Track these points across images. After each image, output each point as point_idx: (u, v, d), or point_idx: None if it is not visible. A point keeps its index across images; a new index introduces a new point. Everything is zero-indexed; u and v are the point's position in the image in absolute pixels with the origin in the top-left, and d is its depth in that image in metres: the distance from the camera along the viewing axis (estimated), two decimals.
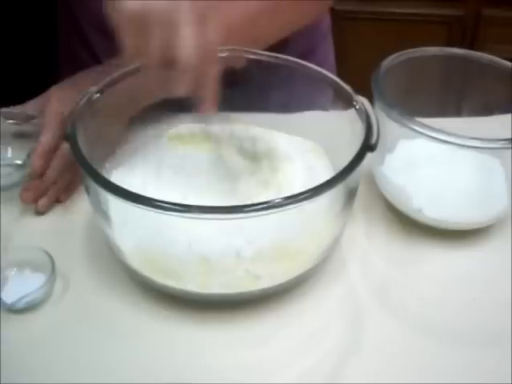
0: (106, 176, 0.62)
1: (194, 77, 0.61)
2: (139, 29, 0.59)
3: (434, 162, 0.75)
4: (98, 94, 0.70)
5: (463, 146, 0.66)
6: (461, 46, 0.85)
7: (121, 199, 0.58)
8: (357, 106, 0.69)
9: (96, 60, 0.96)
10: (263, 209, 0.56)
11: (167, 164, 0.72)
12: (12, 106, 0.83)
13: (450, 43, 1.86)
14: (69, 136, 0.64)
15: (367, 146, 0.63)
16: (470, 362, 0.62)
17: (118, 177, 0.69)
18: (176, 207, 0.56)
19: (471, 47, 0.93)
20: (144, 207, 0.57)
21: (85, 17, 0.94)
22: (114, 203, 0.63)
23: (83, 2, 0.92)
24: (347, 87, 0.71)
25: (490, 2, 1.90)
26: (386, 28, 1.90)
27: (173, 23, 0.59)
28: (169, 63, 0.60)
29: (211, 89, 0.64)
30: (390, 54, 0.79)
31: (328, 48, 1.05)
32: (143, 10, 0.58)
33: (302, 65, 0.76)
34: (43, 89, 0.81)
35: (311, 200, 0.58)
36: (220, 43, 0.64)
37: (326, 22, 1.02)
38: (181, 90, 0.62)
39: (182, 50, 0.59)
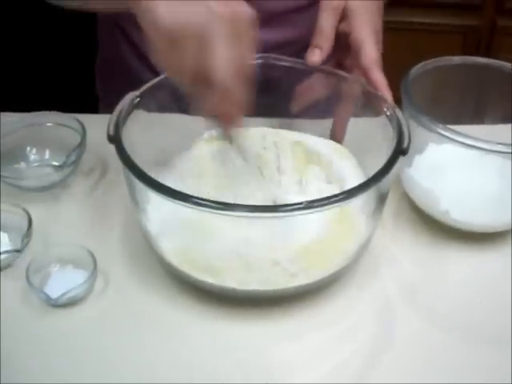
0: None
1: (225, 95, 0.60)
2: (172, 43, 0.57)
3: (460, 166, 0.77)
4: (139, 98, 0.73)
5: (490, 150, 0.69)
6: (476, 55, 0.87)
7: (163, 196, 0.60)
8: (388, 112, 0.71)
9: (136, 50, 0.99)
10: (301, 209, 0.59)
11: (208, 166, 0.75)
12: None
13: (464, 53, 1.87)
14: (112, 138, 0.66)
15: (399, 150, 0.65)
16: (497, 362, 0.64)
17: (160, 175, 0.71)
18: (217, 205, 0.58)
19: (486, 57, 0.95)
20: (186, 204, 0.59)
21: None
22: (155, 201, 0.66)
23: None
24: (378, 93, 0.74)
25: (506, 13, 1.92)
26: (401, 37, 1.91)
27: (207, 38, 0.57)
28: (202, 80, 0.58)
29: (239, 107, 0.62)
30: (406, 62, 0.81)
31: None
32: (177, 23, 0.56)
33: (333, 71, 0.79)
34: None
35: (346, 202, 0.60)
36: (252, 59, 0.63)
37: None
38: (209, 108, 0.62)
39: (217, 69, 0.57)
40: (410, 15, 1.95)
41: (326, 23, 0.76)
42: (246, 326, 0.67)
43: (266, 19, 0.93)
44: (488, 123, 0.87)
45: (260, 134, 0.79)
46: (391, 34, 1.90)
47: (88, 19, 1.05)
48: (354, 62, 0.76)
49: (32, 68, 1.59)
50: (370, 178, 0.62)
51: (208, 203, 0.58)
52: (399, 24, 1.94)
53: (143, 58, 0.97)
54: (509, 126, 0.83)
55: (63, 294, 0.67)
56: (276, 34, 0.93)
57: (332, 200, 0.59)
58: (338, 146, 0.79)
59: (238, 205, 0.59)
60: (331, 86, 0.78)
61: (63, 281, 0.69)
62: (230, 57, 0.57)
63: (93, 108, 1.07)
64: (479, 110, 0.88)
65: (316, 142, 0.79)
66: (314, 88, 0.79)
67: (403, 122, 0.69)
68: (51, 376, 0.63)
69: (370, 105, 0.75)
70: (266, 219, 0.61)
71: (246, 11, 0.60)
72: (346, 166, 0.75)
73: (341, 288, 0.71)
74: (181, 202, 0.59)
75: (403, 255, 0.75)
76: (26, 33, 1.58)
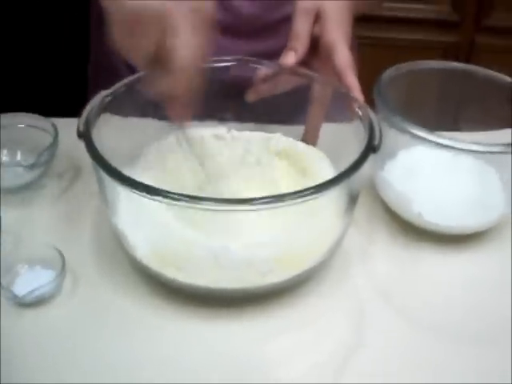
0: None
1: (180, 78, 0.62)
2: (136, 27, 0.60)
3: (434, 169, 0.78)
4: (110, 97, 0.72)
5: (462, 150, 0.69)
6: None
7: (131, 190, 0.60)
8: (359, 112, 0.71)
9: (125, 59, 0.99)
10: (268, 202, 0.58)
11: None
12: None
13: None
14: (82, 134, 0.66)
15: (370, 147, 0.65)
16: (469, 360, 0.64)
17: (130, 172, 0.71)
18: (183, 197, 0.58)
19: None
20: (152, 197, 0.59)
21: None
22: (123, 196, 0.65)
23: None
24: (350, 94, 0.74)
25: (484, 30, 1.95)
26: (383, 53, 1.92)
27: (171, 23, 0.60)
28: (160, 63, 0.61)
29: (190, 92, 0.65)
30: None
31: None
32: (142, 9, 0.59)
33: (304, 73, 0.79)
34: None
35: (317, 195, 0.60)
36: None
37: None
38: (162, 90, 0.64)
39: (179, 52, 0.60)
40: (390, 31, 1.97)
41: (302, 27, 0.77)
42: (218, 325, 0.67)
43: (253, 30, 0.95)
44: (464, 129, 0.87)
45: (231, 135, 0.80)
46: (372, 49, 1.95)
47: (81, 25, 1.06)
48: (323, 64, 0.77)
49: (24, 72, 1.60)
50: (341, 173, 0.62)
51: (173, 195, 0.58)
52: (380, 40, 1.96)
53: (130, 65, 0.98)
54: (484, 133, 0.83)
55: (30, 292, 0.66)
56: (262, 44, 0.95)
57: (303, 193, 0.59)
58: (311, 147, 0.79)
59: (205, 197, 0.58)
60: (294, 83, 0.79)
61: (31, 280, 0.68)
62: (191, 42, 0.61)
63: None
64: (455, 116, 0.88)
65: (290, 142, 0.79)
66: (274, 81, 0.80)
67: (374, 120, 0.69)
68: (19, 375, 0.62)
69: (341, 106, 0.75)
70: (235, 213, 0.60)
71: (208, 4, 0.63)
72: (319, 165, 0.75)
73: (314, 287, 0.70)
74: (146, 195, 0.58)
75: (377, 256, 0.75)
76: (20, 37, 1.58)
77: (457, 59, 1.82)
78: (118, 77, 0.98)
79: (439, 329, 0.68)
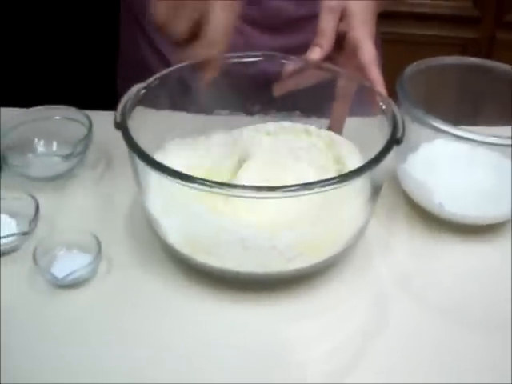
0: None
1: (211, 45, 0.71)
2: (175, 5, 0.68)
3: (453, 161, 0.80)
4: (145, 90, 0.76)
5: (480, 142, 0.72)
6: None
7: (164, 177, 0.63)
8: (383, 106, 0.74)
9: (156, 51, 1.04)
10: (296, 190, 0.61)
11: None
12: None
13: None
14: (119, 125, 0.69)
15: (394, 140, 0.68)
16: (485, 345, 0.67)
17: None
18: (214, 184, 0.61)
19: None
20: (185, 184, 0.62)
21: (142, 7, 1.02)
22: (157, 183, 0.69)
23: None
24: (374, 88, 0.77)
25: (505, 26, 1.96)
26: (403, 49, 1.94)
27: (206, 3, 0.68)
28: (194, 36, 0.70)
29: (216, 67, 0.75)
30: None
31: None
32: None
33: (330, 68, 0.82)
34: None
35: (340, 185, 0.63)
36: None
37: None
38: (194, 54, 0.73)
39: (213, 28, 0.69)
40: (410, 27, 1.98)
41: (327, 24, 0.80)
42: (244, 308, 0.70)
43: (279, 26, 0.98)
44: (482, 124, 0.88)
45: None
46: (393, 45, 1.95)
47: (110, 21, 1.09)
48: (348, 59, 0.80)
49: (56, 67, 1.64)
50: (365, 164, 0.65)
51: (207, 183, 0.61)
52: (400, 36, 1.97)
53: (163, 58, 1.02)
54: (502, 128, 0.85)
55: (68, 275, 0.69)
56: (288, 40, 0.99)
57: (329, 182, 0.62)
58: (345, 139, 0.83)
59: (236, 185, 0.62)
60: (319, 78, 0.82)
61: (69, 263, 0.71)
62: (225, 18, 0.70)
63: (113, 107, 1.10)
64: (473, 111, 0.90)
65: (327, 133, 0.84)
66: (300, 76, 0.83)
67: (397, 113, 0.72)
68: (57, 354, 0.65)
69: (365, 100, 0.78)
70: (264, 201, 0.63)
71: None
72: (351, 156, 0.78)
73: (337, 274, 0.73)
74: (182, 182, 0.62)
75: (398, 245, 0.78)
76: (52, 34, 1.62)
77: (477, 55, 1.83)
78: (147, 70, 1.03)
79: (457, 316, 0.70)
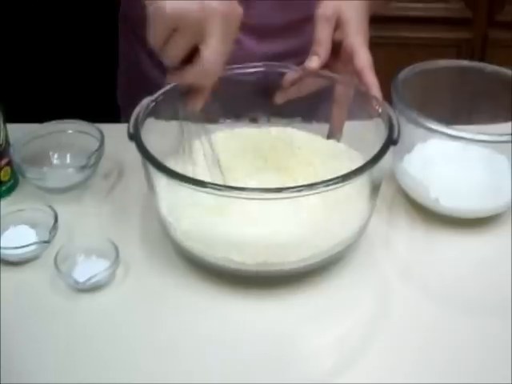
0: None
1: (204, 74, 0.71)
2: (173, 29, 0.67)
3: (448, 158, 0.84)
4: (154, 103, 0.80)
5: (471, 140, 0.76)
6: None
7: (177, 182, 0.68)
8: (379, 109, 0.79)
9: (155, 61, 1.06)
10: (298, 191, 0.66)
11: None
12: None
13: None
14: (132, 136, 0.74)
15: (391, 140, 0.72)
16: (485, 329, 0.71)
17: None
18: (223, 188, 0.66)
19: None
20: (196, 188, 0.67)
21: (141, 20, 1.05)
22: (170, 188, 0.73)
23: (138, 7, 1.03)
24: (369, 92, 0.81)
25: (497, 26, 2.00)
26: (396, 52, 1.97)
27: (203, 27, 0.68)
28: (188, 62, 0.70)
29: (206, 94, 0.74)
30: None
31: None
32: (177, 12, 0.66)
33: (328, 75, 0.86)
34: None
35: (342, 184, 0.67)
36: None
37: None
38: (187, 78, 0.72)
39: (207, 57, 0.69)
40: (405, 30, 2.02)
41: (323, 33, 0.83)
42: (257, 304, 0.74)
43: (271, 31, 1.02)
44: (476, 123, 0.91)
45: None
46: (388, 48, 1.99)
47: (109, 32, 1.13)
48: (344, 66, 0.84)
49: (55, 78, 1.67)
50: (366, 163, 0.70)
51: (214, 186, 0.66)
52: (395, 39, 2.01)
53: (162, 68, 1.05)
54: (495, 126, 0.89)
55: (88, 279, 0.73)
56: (280, 45, 1.02)
57: (331, 182, 0.66)
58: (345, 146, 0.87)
59: (245, 188, 0.67)
60: (318, 85, 0.86)
61: (88, 268, 0.75)
62: (218, 49, 0.69)
63: (114, 117, 1.13)
64: (467, 111, 0.94)
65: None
66: (300, 84, 0.87)
67: (393, 115, 0.76)
68: (78, 354, 0.69)
69: (362, 104, 0.82)
70: (268, 201, 0.68)
71: (238, 9, 0.70)
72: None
73: (341, 269, 0.78)
74: (191, 186, 0.67)
75: (398, 239, 0.82)
76: (51, 45, 1.65)
77: (471, 55, 1.86)
78: (147, 81, 1.07)
79: (457, 303, 0.75)
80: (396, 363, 0.68)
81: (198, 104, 0.75)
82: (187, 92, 0.75)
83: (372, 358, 0.68)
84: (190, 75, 0.71)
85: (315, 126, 0.91)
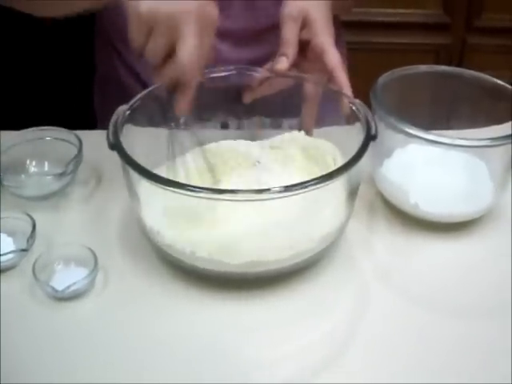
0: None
1: (182, 78, 0.72)
2: (148, 28, 0.69)
3: (427, 163, 0.85)
4: (129, 111, 0.80)
5: (450, 145, 0.76)
6: None
7: (159, 186, 0.68)
8: (353, 107, 0.79)
9: (130, 71, 1.08)
10: (279, 192, 0.66)
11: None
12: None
13: None
14: (113, 145, 0.73)
15: (369, 136, 0.73)
16: (459, 333, 0.72)
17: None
18: (204, 190, 0.67)
19: None
20: (178, 190, 0.67)
21: (117, 32, 1.06)
22: (152, 192, 0.73)
23: (114, 20, 1.04)
24: (341, 91, 0.81)
25: (475, 31, 2.02)
26: (377, 57, 1.99)
27: (179, 27, 0.69)
28: (167, 61, 0.71)
29: (189, 92, 0.74)
30: None
31: None
32: (152, 11, 0.69)
33: (298, 76, 0.87)
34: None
35: (322, 184, 0.68)
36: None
37: None
38: (164, 81, 0.74)
39: (184, 52, 0.70)
40: (384, 36, 2.04)
41: (290, 34, 0.84)
42: (238, 306, 0.74)
43: (246, 37, 1.02)
44: (455, 128, 0.92)
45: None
46: (367, 54, 2.01)
47: (86, 40, 1.13)
48: (312, 65, 0.85)
49: (32, 86, 1.66)
50: (346, 163, 0.70)
51: (195, 189, 0.66)
52: (374, 45, 2.03)
53: (137, 77, 1.06)
54: (473, 130, 0.89)
55: (67, 287, 0.73)
56: (255, 51, 1.02)
57: (311, 183, 0.67)
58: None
59: (225, 190, 0.68)
60: (286, 84, 0.87)
61: (67, 276, 0.75)
62: (194, 45, 0.70)
63: (91, 125, 1.13)
64: (446, 116, 0.95)
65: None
66: (268, 84, 0.88)
67: (368, 113, 0.77)
68: (58, 363, 0.68)
69: (333, 102, 0.83)
70: (251, 204, 0.68)
71: (214, 11, 0.72)
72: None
73: (320, 271, 0.78)
74: (175, 190, 0.67)
75: (377, 243, 0.83)
76: (25, 51, 1.65)
77: (450, 60, 1.88)
78: (123, 88, 1.07)
79: (433, 303, 0.76)
80: (376, 364, 0.68)
81: (182, 105, 0.75)
82: (173, 93, 0.75)
83: (352, 359, 0.69)
84: (169, 72, 0.72)
85: (287, 124, 0.92)
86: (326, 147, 0.85)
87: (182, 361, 0.69)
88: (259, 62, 0.90)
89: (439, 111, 0.94)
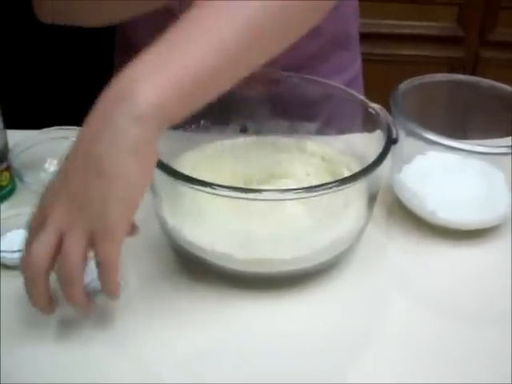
0: None
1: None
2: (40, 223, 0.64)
3: (445, 171, 0.85)
4: None
5: (470, 151, 0.77)
6: None
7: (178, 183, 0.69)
8: (373, 112, 0.80)
9: None
10: (299, 192, 0.67)
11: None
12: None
13: None
14: None
15: (391, 140, 0.74)
16: (479, 339, 0.72)
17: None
18: (231, 189, 0.67)
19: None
20: (204, 189, 0.68)
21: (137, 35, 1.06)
22: (171, 190, 0.74)
23: (138, 32, 1.03)
24: (371, 105, 0.82)
25: (488, 45, 2.03)
26: (389, 69, 2.00)
27: (65, 236, 0.64)
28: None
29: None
30: None
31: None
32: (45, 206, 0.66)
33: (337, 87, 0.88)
34: None
35: (343, 187, 0.69)
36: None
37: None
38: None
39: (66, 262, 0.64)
40: (399, 48, 2.05)
41: None
42: (256, 306, 0.75)
43: None
44: (470, 137, 0.92)
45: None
46: (382, 65, 2.02)
47: (108, 42, 1.14)
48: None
49: (56, 87, 1.68)
50: (368, 165, 0.71)
51: (223, 188, 0.67)
52: (389, 56, 2.04)
53: None
54: (489, 141, 0.89)
55: (87, 285, 0.73)
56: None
57: (333, 185, 0.68)
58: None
59: (248, 189, 0.69)
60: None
61: (86, 274, 0.73)
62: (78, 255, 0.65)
63: None
64: (462, 125, 0.94)
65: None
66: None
67: (389, 117, 0.78)
68: (58, 364, 0.69)
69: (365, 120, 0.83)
70: (272, 205, 0.69)
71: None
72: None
73: (336, 276, 0.78)
74: (200, 188, 0.68)
75: (395, 250, 0.83)
76: (50, 52, 1.67)
77: (463, 73, 1.88)
78: None
79: (449, 309, 0.76)
80: (390, 370, 0.68)
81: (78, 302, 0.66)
82: None
83: (367, 361, 0.69)
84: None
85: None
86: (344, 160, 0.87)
87: (196, 359, 0.69)
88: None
89: (455, 121, 0.94)
